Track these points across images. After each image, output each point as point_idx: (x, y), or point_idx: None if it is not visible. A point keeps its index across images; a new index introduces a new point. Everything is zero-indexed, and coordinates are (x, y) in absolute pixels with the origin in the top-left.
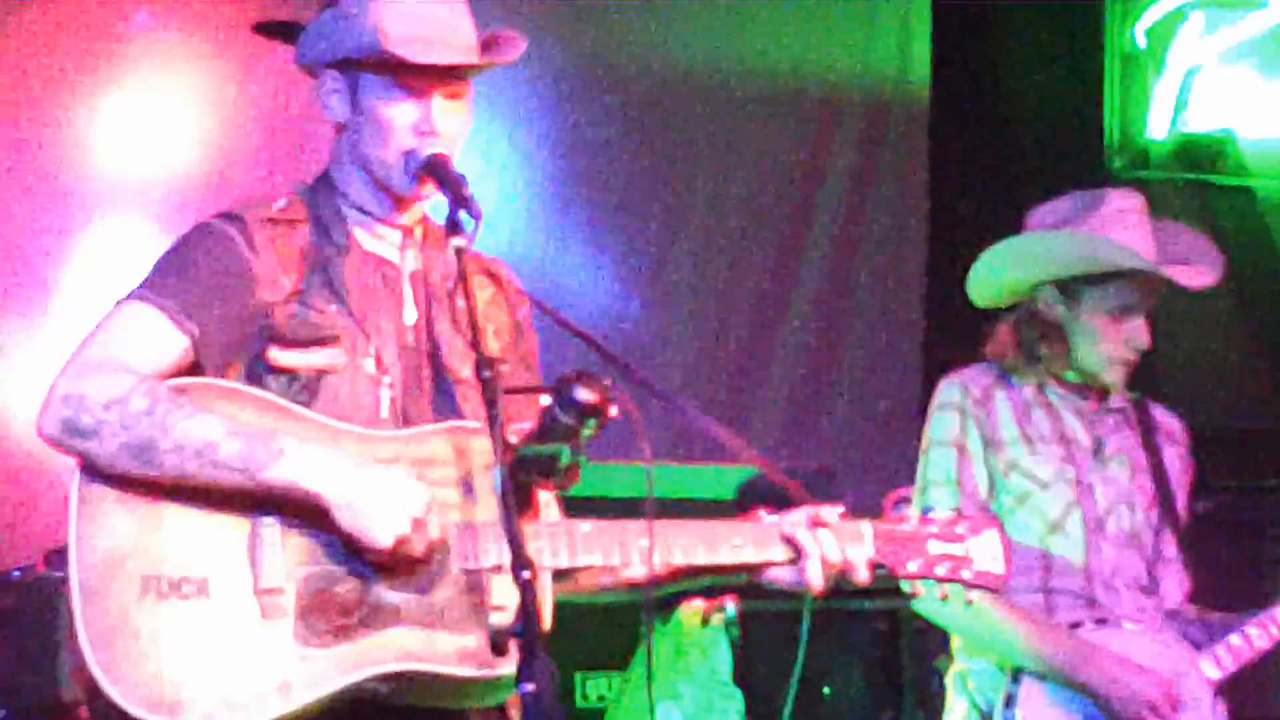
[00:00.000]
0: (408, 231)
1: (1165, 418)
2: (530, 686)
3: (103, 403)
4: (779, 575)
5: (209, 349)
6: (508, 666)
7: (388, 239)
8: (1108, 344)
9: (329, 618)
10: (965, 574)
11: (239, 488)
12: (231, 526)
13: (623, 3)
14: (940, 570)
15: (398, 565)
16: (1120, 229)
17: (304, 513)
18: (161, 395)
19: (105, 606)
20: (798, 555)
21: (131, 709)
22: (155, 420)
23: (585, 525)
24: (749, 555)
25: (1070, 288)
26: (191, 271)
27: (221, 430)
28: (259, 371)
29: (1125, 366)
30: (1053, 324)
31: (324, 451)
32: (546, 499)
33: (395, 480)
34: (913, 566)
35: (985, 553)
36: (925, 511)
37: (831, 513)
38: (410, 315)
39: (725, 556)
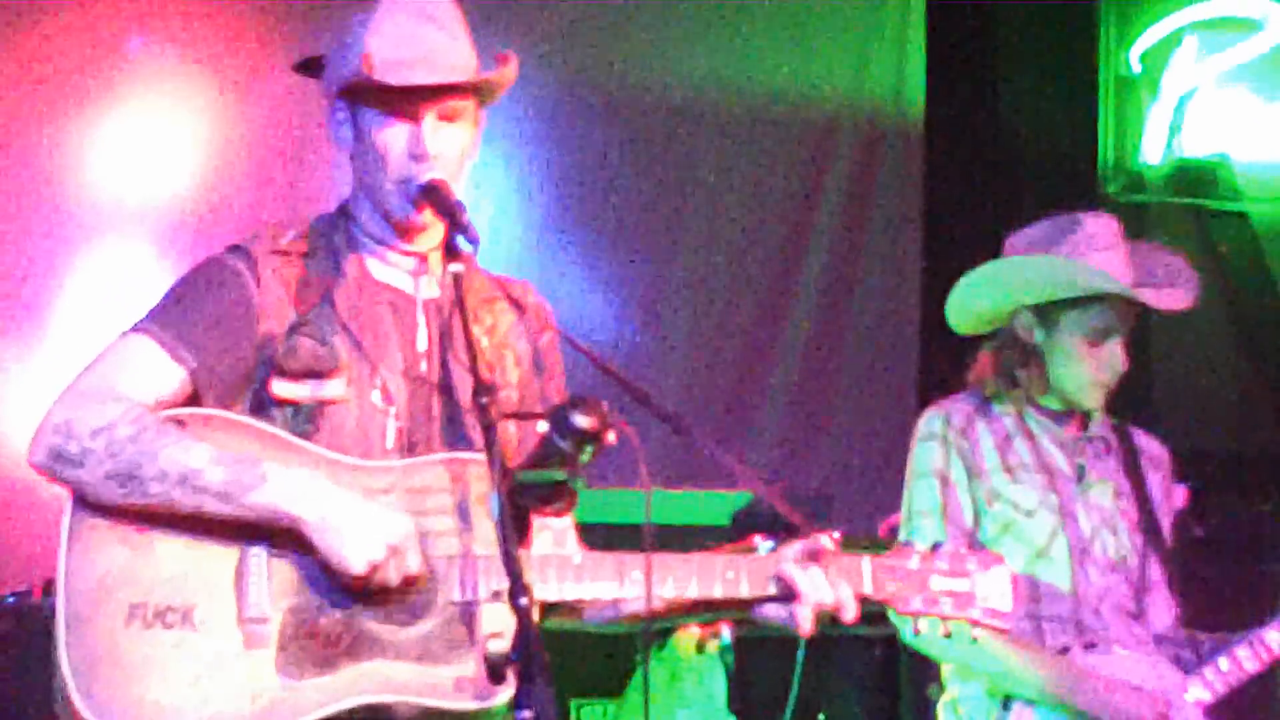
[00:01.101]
0: (422, 259)
1: (1148, 443)
2: (528, 714)
3: (90, 431)
4: (770, 612)
5: (208, 381)
6: (493, 699)
7: (400, 266)
8: (1085, 367)
9: (312, 648)
10: (973, 611)
11: (223, 515)
12: (220, 555)
13: (618, 27)
14: (945, 607)
15: (376, 594)
16: (1095, 253)
17: (290, 541)
18: (148, 423)
19: (90, 634)
20: (790, 596)
21: None
22: (141, 448)
23: (577, 556)
24: (743, 590)
25: (1047, 312)
26: (194, 304)
27: (206, 458)
28: (263, 402)
29: (1103, 390)
30: (1031, 348)
31: (306, 478)
32: (565, 526)
33: (375, 509)
34: (915, 603)
35: (993, 589)
36: (935, 546)
37: (829, 541)
38: (422, 344)
39: (718, 590)
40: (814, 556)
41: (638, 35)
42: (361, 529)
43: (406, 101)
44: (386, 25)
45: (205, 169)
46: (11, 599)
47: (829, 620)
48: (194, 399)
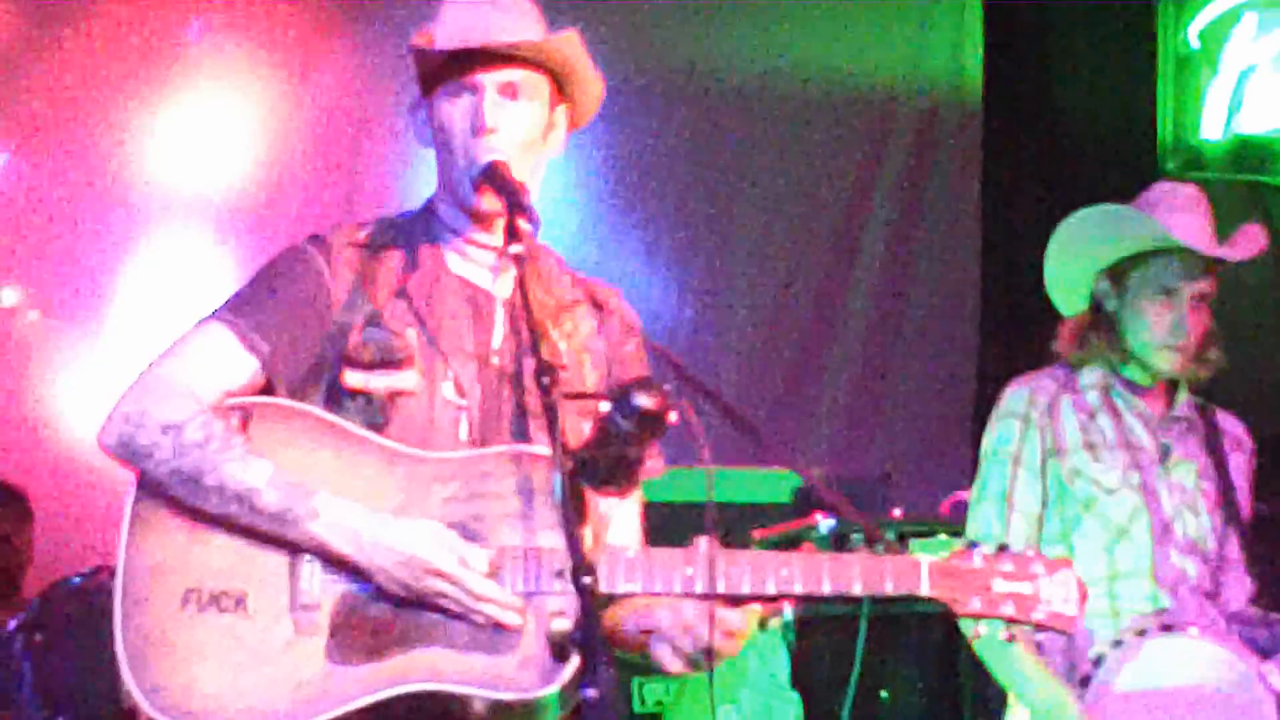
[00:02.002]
0: (500, 253)
1: (1231, 424)
2: (592, 692)
3: (160, 425)
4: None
5: (280, 370)
6: (539, 690)
7: (479, 261)
8: (1154, 327)
9: (362, 636)
10: (1035, 615)
11: (273, 535)
12: (276, 544)
13: (675, 13)
14: (1006, 609)
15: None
16: (1161, 210)
17: None
18: (217, 432)
19: (145, 615)
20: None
21: (158, 716)
22: (206, 455)
23: (630, 550)
24: (796, 588)
25: (1119, 274)
26: (269, 294)
27: (264, 478)
28: (337, 393)
29: (1177, 354)
30: (1107, 313)
31: (355, 514)
32: (632, 508)
33: (409, 539)
34: (975, 604)
35: (1058, 594)
36: (1001, 548)
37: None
38: (498, 341)
39: (771, 587)
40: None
41: (695, 21)
42: (395, 565)
43: (468, 77)
44: (451, 12)
45: (264, 156)
46: (77, 579)
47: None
48: (266, 387)
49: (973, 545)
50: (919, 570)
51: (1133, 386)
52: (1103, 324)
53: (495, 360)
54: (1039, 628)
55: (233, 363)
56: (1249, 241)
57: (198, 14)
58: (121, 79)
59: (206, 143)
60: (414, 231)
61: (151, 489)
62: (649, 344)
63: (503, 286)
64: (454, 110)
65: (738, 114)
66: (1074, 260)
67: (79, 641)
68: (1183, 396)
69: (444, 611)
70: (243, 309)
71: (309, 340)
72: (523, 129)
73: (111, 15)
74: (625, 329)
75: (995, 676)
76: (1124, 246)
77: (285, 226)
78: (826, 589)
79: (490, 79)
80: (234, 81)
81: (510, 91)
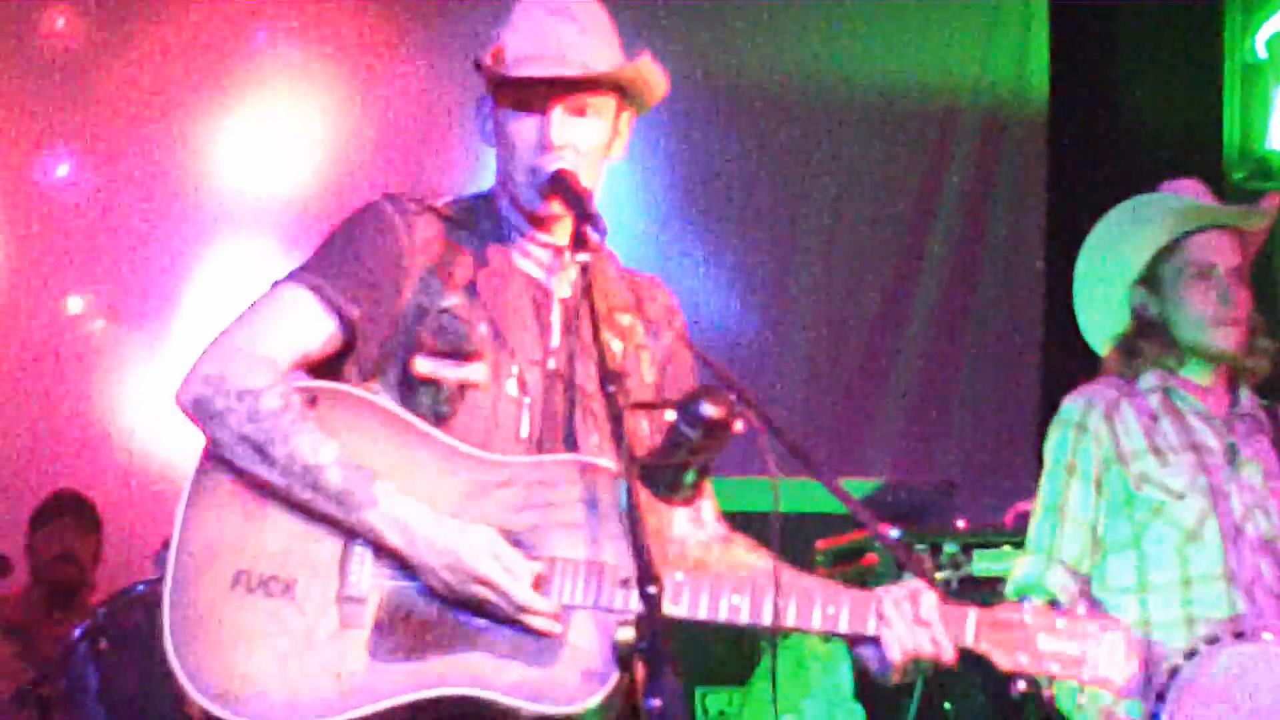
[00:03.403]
0: (557, 252)
1: None
2: (656, 702)
3: (238, 391)
4: (865, 653)
5: (365, 333)
6: (577, 704)
7: (537, 259)
8: (1196, 307)
9: (405, 633)
10: (1081, 675)
11: (329, 516)
12: (328, 535)
13: (740, 17)
14: (1052, 668)
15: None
16: (1171, 194)
17: None
18: (294, 404)
19: (195, 594)
20: (884, 626)
21: (198, 697)
22: (280, 425)
23: (679, 574)
24: (841, 626)
25: (1152, 277)
26: (351, 255)
27: (331, 457)
28: (409, 380)
29: (1229, 328)
30: (1152, 320)
31: (412, 509)
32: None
33: (459, 544)
34: (1022, 659)
35: (1106, 657)
36: (1052, 603)
37: (930, 606)
38: (555, 340)
39: (817, 623)
40: (918, 607)
41: (760, 29)
42: (441, 568)
43: (536, 95)
44: (523, 21)
45: (330, 162)
46: (142, 587)
47: (930, 668)
48: (343, 353)
49: (1024, 599)
50: (965, 622)
51: (1192, 387)
52: (1149, 331)
53: (553, 361)
54: (1083, 684)
55: (313, 326)
56: (1268, 204)
57: (264, 21)
58: (188, 85)
59: (272, 149)
60: (481, 220)
61: (218, 459)
62: (684, 339)
63: (560, 286)
64: (520, 125)
65: (802, 122)
66: (1106, 280)
67: (144, 649)
68: (1245, 394)
69: (489, 616)
70: (325, 271)
71: (388, 308)
72: (588, 143)
73: (179, 21)
74: (668, 320)
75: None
76: (1149, 242)
77: None
78: (870, 630)
79: (560, 102)
80: (300, 87)
81: (579, 110)
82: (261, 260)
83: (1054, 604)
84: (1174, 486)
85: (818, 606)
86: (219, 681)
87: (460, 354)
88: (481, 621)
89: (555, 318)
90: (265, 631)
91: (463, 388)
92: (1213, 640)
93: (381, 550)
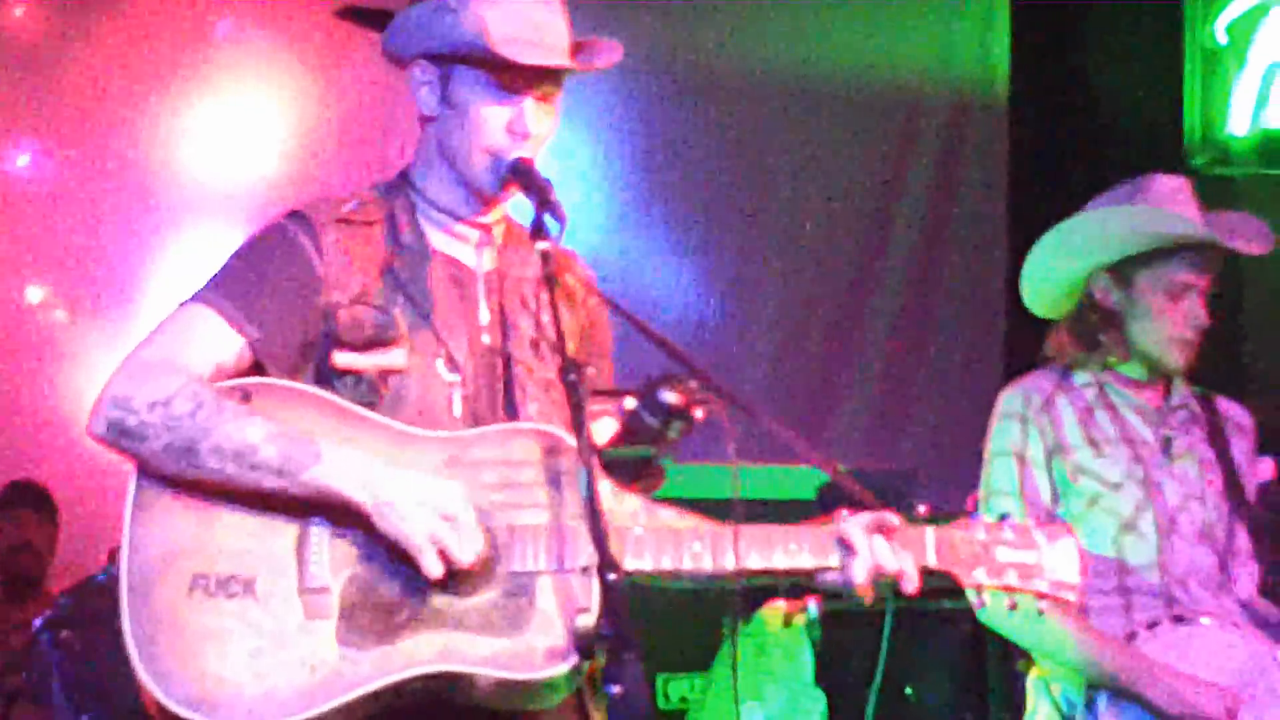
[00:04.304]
0: (486, 230)
1: (1232, 409)
2: (617, 689)
3: (148, 404)
4: (830, 577)
5: (269, 351)
6: (553, 669)
7: (464, 238)
8: (1166, 324)
9: (373, 618)
10: (1039, 584)
11: (279, 491)
12: (282, 528)
13: (705, 4)
14: (1010, 579)
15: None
16: (1170, 205)
17: (351, 516)
18: (206, 398)
19: (153, 603)
20: (847, 555)
21: (172, 706)
22: (198, 423)
23: (638, 529)
24: (804, 561)
25: (1124, 272)
26: (255, 273)
27: (261, 434)
28: (325, 374)
29: (1185, 347)
30: (1110, 311)
31: (359, 458)
32: (634, 509)
33: (426, 482)
34: (979, 574)
35: (1060, 562)
36: (1001, 518)
37: (894, 518)
38: (484, 316)
39: (780, 561)
40: (879, 528)
41: (724, 16)
42: (413, 504)
43: (514, 78)
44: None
45: (292, 151)
46: (103, 576)
47: (891, 591)
48: (256, 369)
49: (974, 516)
50: (925, 540)
51: (1128, 381)
52: (1109, 323)
53: (485, 338)
54: (1042, 598)
55: (220, 344)
56: (1261, 237)
57: (225, 11)
58: (149, 76)
59: (234, 139)
60: (394, 207)
61: (152, 474)
62: (612, 303)
63: (484, 261)
64: (490, 106)
65: (766, 109)
66: (1074, 257)
67: (107, 637)
68: (1179, 386)
69: (442, 587)
70: (227, 290)
71: (298, 320)
72: (550, 129)
73: (140, 11)
74: (587, 290)
75: (1024, 645)
76: (1137, 240)
77: None
78: (834, 560)
79: (536, 89)
80: (261, 77)
81: (548, 98)
82: (223, 248)
83: (1003, 518)
84: (1110, 477)
85: (779, 546)
86: (192, 687)
87: (379, 341)
88: (447, 598)
89: (480, 293)
90: (232, 632)
91: (385, 375)
92: (1153, 625)
93: (339, 526)
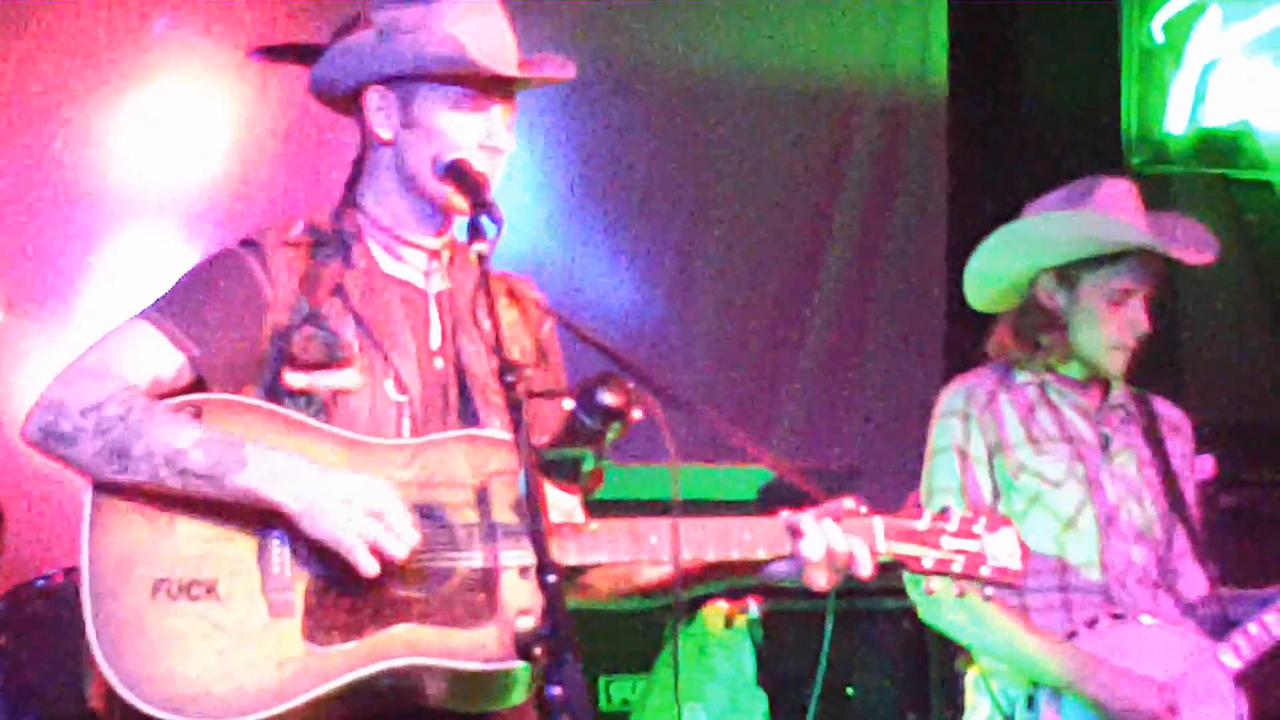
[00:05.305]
0: (434, 254)
1: (1168, 410)
2: (558, 690)
3: (80, 409)
4: (782, 568)
5: (211, 371)
6: (516, 660)
7: (412, 262)
8: (1108, 329)
9: (337, 614)
10: (983, 570)
11: (211, 498)
12: (241, 530)
13: (640, 4)
14: (955, 567)
15: (398, 566)
16: (1117, 211)
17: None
18: (137, 403)
19: (116, 609)
20: (798, 541)
21: (145, 708)
22: (129, 426)
23: (594, 524)
24: (760, 552)
25: (1068, 274)
26: (201, 295)
27: (190, 439)
28: (276, 393)
29: (1125, 353)
30: (1052, 312)
31: (283, 459)
32: (572, 506)
33: (349, 480)
34: (926, 562)
35: (1002, 549)
36: (944, 510)
37: (851, 502)
38: (435, 339)
39: (735, 552)
40: (828, 514)
41: (661, 15)
42: (337, 503)
43: (483, 92)
44: (463, 15)
45: (230, 154)
46: (42, 582)
47: (844, 576)
48: (198, 386)
49: (918, 506)
50: (874, 529)
51: (1068, 381)
52: (1051, 324)
53: (438, 362)
54: (987, 583)
55: (158, 358)
56: (1204, 246)
57: (162, 10)
58: (85, 75)
59: (171, 140)
60: (342, 230)
61: (105, 483)
62: (565, 321)
63: (434, 283)
64: (460, 121)
65: (704, 108)
66: (1020, 258)
67: (45, 644)
68: (1117, 386)
69: (401, 580)
70: (172, 310)
71: (242, 343)
72: (514, 143)
73: (75, 9)
74: (541, 314)
75: (965, 642)
76: (1083, 245)
77: (252, 223)
78: (785, 549)
79: (502, 102)
80: (199, 78)
81: (512, 109)
82: (162, 252)
83: (945, 509)
84: (1051, 475)
85: (731, 537)
86: (163, 689)
87: (330, 362)
88: (410, 592)
89: (434, 313)
90: (197, 633)
91: (336, 395)
92: (1093, 623)
93: (294, 536)
